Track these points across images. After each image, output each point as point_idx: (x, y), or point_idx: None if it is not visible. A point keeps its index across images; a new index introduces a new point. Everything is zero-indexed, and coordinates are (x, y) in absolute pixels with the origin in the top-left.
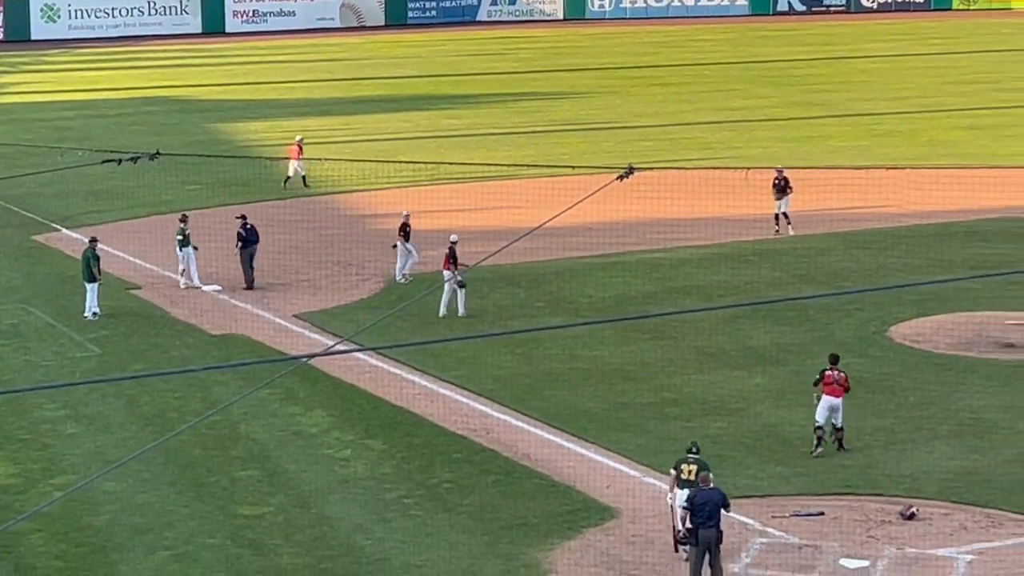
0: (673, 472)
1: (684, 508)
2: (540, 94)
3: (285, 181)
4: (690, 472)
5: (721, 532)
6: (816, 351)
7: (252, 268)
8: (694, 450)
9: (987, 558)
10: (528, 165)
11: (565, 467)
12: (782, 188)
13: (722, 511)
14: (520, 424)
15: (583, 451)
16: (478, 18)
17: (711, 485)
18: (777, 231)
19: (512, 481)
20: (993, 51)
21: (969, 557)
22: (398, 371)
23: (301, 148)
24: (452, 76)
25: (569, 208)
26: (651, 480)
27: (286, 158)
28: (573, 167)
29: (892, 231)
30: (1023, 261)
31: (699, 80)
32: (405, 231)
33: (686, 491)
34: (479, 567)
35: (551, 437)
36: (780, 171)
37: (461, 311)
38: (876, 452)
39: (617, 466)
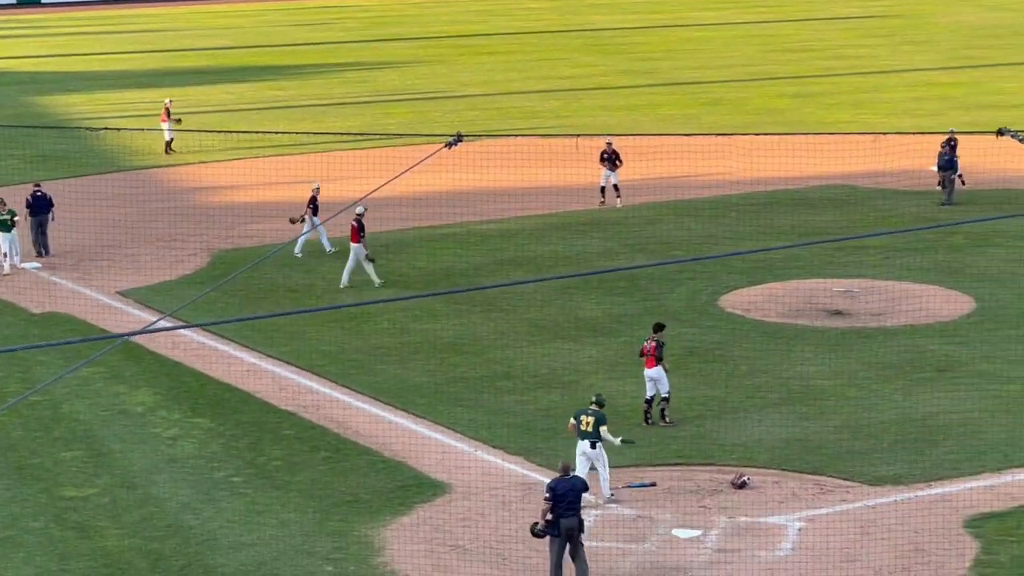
0: (572, 421)
1: (546, 499)
2: (366, 64)
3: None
4: (587, 424)
5: (582, 520)
6: (648, 321)
7: (44, 235)
8: (595, 400)
9: (817, 525)
10: (355, 135)
11: (396, 443)
12: (611, 160)
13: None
14: (350, 400)
15: (414, 426)
16: None
17: (572, 473)
18: (602, 202)
19: (342, 458)
20: (817, 19)
21: (799, 524)
22: (225, 348)
23: (169, 111)
24: (276, 47)
25: (395, 178)
26: (484, 455)
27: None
28: (401, 135)
29: (721, 199)
30: (850, 228)
31: (526, 48)
32: (314, 204)
33: (585, 442)
34: (310, 544)
35: (382, 412)
36: (609, 143)
37: (376, 281)
38: (708, 422)
39: (449, 441)
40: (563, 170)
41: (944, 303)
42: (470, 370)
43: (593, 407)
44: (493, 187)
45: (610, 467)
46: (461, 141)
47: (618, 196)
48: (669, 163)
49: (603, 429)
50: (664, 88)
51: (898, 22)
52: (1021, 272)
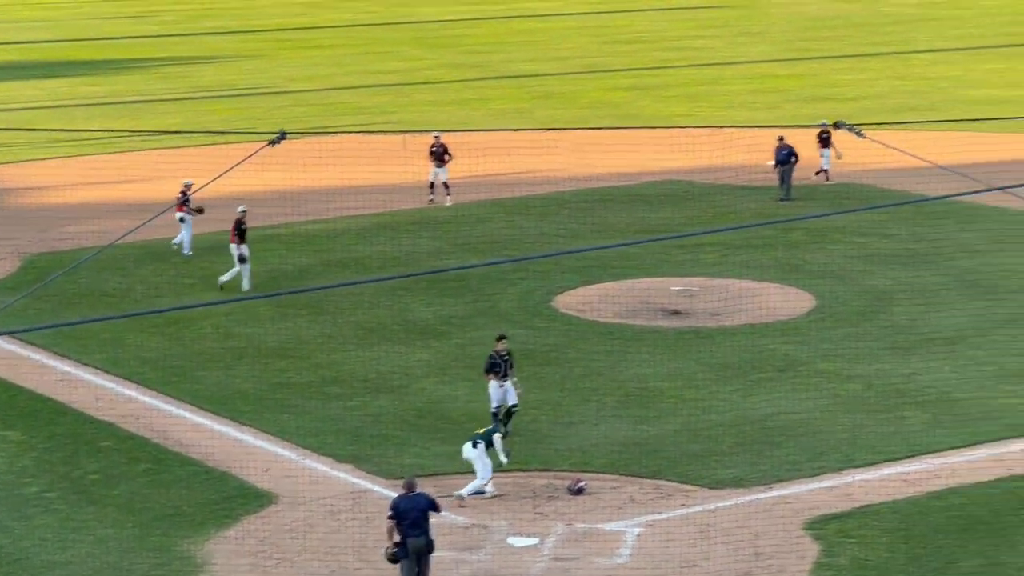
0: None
1: (388, 517)
2: (185, 59)
3: None
4: (479, 428)
5: (431, 540)
6: (480, 323)
7: None
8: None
9: (656, 530)
10: (174, 132)
11: (220, 452)
12: (440, 156)
13: (432, 515)
14: (171, 408)
15: (239, 435)
16: None
17: (417, 491)
18: (431, 200)
19: (164, 469)
20: (652, 9)
21: (638, 530)
22: (38, 356)
23: None
24: (90, 40)
25: (218, 177)
26: (311, 463)
27: None
28: (222, 132)
29: (554, 197)
30: (686, 225)
31: (353, 42)
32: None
33: (468, 444)
34: (129, 561)
35: (204, 421)
36: (437, 138)
37: (245, 285)
38: (543, 426)
39: (276, 449)
40: (391, 168)
41: (783, 301)
42: (296, 375)
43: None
44: (319, 186)
45: (441, 475)
46: (285, 138)
47: (448, 194)
48: (500, 159)
49: (496, 438)
50: (495, 82)
51: (734, 13)
52: (860, 268)
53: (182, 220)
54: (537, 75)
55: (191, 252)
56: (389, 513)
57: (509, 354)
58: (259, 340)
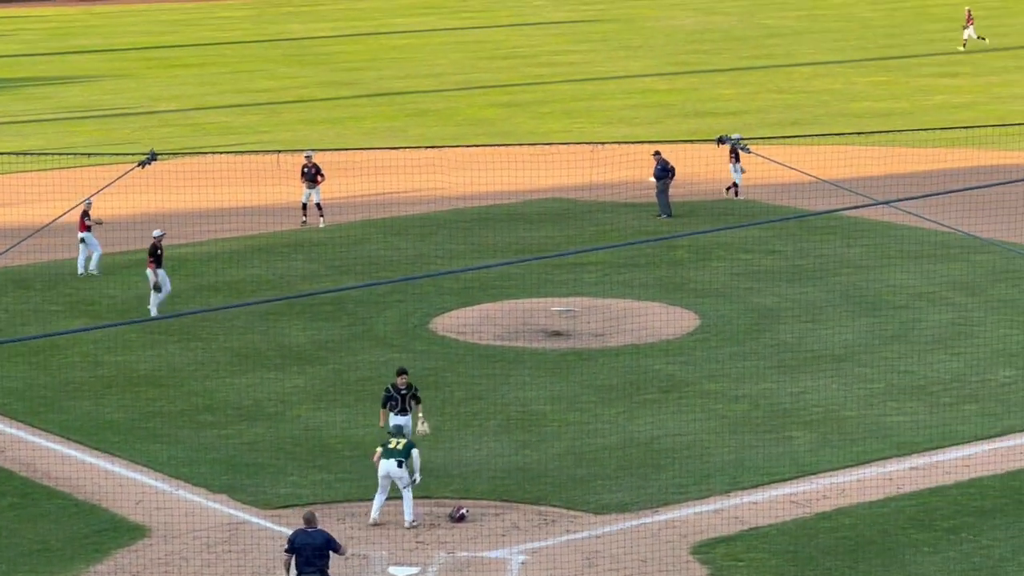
0: (379, 450)
1: (285, 550)
2: (47, 78)
3: None
4: (397, 444)
5: None
6: (356, 347)
7: None
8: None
9: (541, 557)
10: (37, 154)
11: (90, 484)
12: (312, 176)
13: (332, 554)
14: (37, 440)
15: (109, 466)
16: None
17: (317, 527)
18: (304, 221)
19: (30, 503)
20: (527, 24)
21: (522, 558)
22: None
23: None
24: None
25: (86, 200)
26: (184, 494)
27: None
28: (88, 154)
29: (432, 216)
30: (566, 243)
31: (221, 60)
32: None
33: (391, 461)
34: None
35: (73, 452)
36: (309, 158)
37: (153, 311)
38: (423, 453)
39: (148, 480)
40: (263, 188)
41: (667, 320)
42: (168, 404)
43: (395, 435)
44: (189, 208)
45: (318, 503)
46: (155, 159)
47: (321, 215)
48: (375, 179)
49: (415, 452)
50: (368, 99)
51: (612, 26)
52: (744, 286)
53: (83, 241)
54: (411, 92)
55: (99, 271)
56: (286, 546)
57: (410, 388)
58: (129, 368)
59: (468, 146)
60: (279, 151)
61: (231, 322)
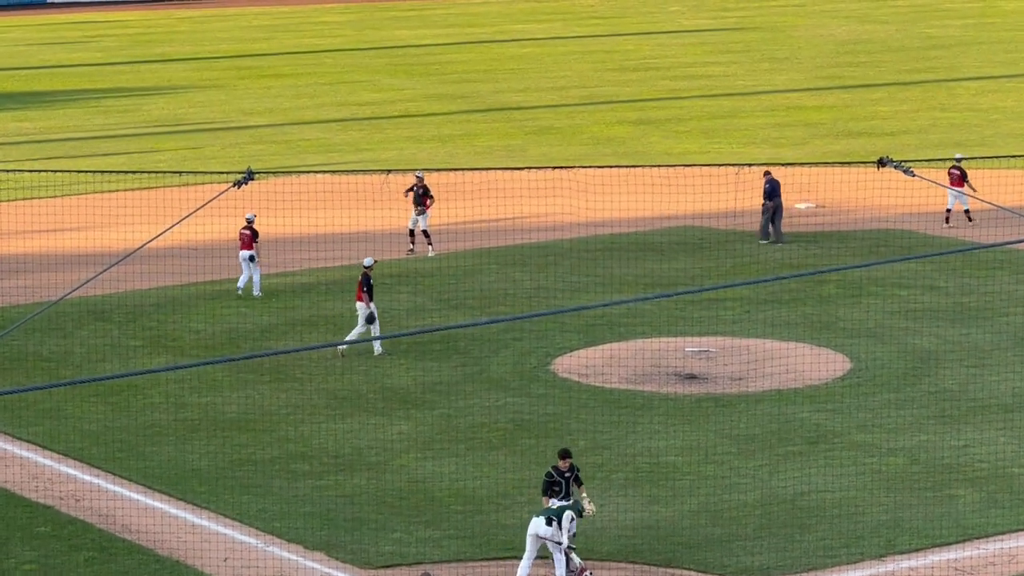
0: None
1: None
2: (129, 90)
3: None
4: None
5: None
6: (468, 390)
7: None
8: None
9: None
10: (118, 172)
11: (173, 539)
12: (420, 198)
13: None
14: (117, 488)
15: (194, 518)
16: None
17: None
18: (411, 249)
19: (108, 558)
20: (661, 33)
21: None
22: None
23: None
24: (19, 70)
25: (175, 225)
26: (277, 551)
27: None
28: (174, 173)
29: (553, 245)
30: (702, 277)
31: (319, 70)
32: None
33: (540, 520)
34: None
35: (155, 503)
36: (420, 178)
37: (377, 349)
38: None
39: (236, 535)
40: (365, 212)
41: (814, 363)
42: (259, 451)
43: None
44: (284, 234)
45: (426, 562)
46: (252, 179)
47: (429, 243)
48: (489, 203)
49: (568, 514)
50: (483, 115)
51: (755, 36)
52: (900, 326)
53: (252, 259)
54: (530, 107)
55: (261, 293)
56: None
57: (573, 470)
58: (216, 410)
59: (594, 167)
60: (387, 171)
61: (329, 361)
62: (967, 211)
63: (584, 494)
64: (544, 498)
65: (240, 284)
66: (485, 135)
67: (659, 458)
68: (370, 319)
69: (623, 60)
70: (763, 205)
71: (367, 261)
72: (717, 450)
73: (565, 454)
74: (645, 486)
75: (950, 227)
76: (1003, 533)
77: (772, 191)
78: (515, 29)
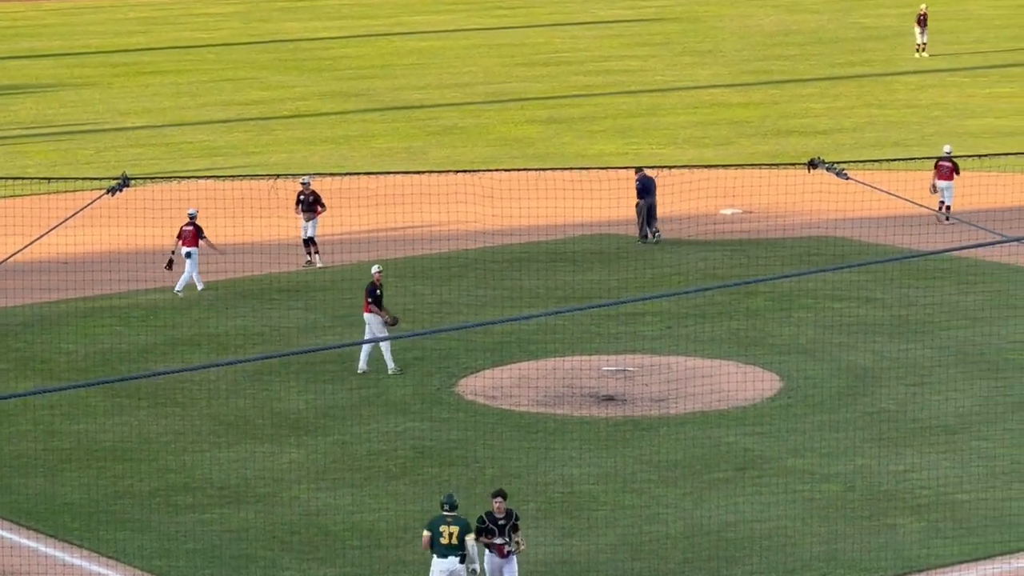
0: (427, 533)
1: None
2: None
3: None
4: (450, 536)
5: None
6: (366, 414)
7: None
8: (447, 502)
9: None
10: None
11: None
12: (311, 206)
13: None
14: None
15: (67, 557)
16: None
17: None
18: (309, 261)
19: None
20: (573, 24)
21: None
22: None
23: None
24: None
25: (43, 236)
26: None
27: None
28: (42, 179)
29: (457, 256)
30: (620, 289)
31: (202, 67)
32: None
33: (449, 560)
34: None
35: (24, 540)
36: (306, 184)
37: (391, 365)
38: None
39: (113, 575)
40: (253, 221)
41: (742, 383)
42: (138, 482)
43: (447, 512)
44: (163, 246)
45: None
46: (128, 186)
47: (316, 252)
48: (388, 210)
49: (469, 539)
50: (380, 114)
51: (676, 27)
52: (835, 341)
53: (188, 255)
54: (432, 106)
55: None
56: None
57: (510, 517)
58: (90, 439)
59: (502, 170)
60: (276, 176)
61: (214, 383)
62: (948, 207)
63: (519, 538)
64: (478, 538)
65: (179, 286)
66: (383, 136)
67: (574, 487)
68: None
69: (532, 54)
70: (636, 204)
71: (375, 268)
72: (637, 478)
73: (499, 495)
74: (559, 518)
75: (951, 223)
76: (947, 565)
77: (644, 189)
78: (414, 21)
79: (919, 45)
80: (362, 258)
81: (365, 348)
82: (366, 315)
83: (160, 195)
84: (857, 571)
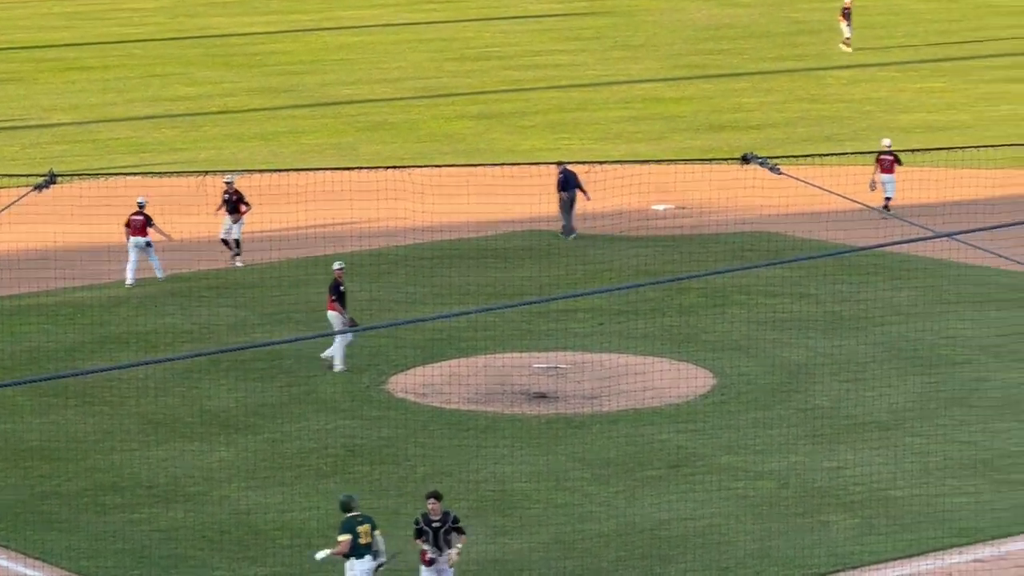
0: (346, 537)
1: None
2: None
3: None
4: (366, 534)
5: None
6: (296, 412)
7: None
8: (353, 507)
9: None
10: None
11: None
12: (234, 206)
13: None
14: None
15: None
16: None
17: None
18: (237, 255)
19: None
20: (504, 19)
21: None
22: None
23: None
24: None
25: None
26: None
27: None
28: None
29: (387, 252)
30: (552, 286)
31: (129, 62)
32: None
33: (366, 559)
34: None
35: None
36: (230, 183)
37: (339, 365)
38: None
39: (40, 575)
40: (181, 218)
41: (675, 380)
42: (66, 482)
43: (355, 512)
44: (91, 243)
45: None
46: (55, 182)
47: (238, 252)
48: (318, 206)
49: (378, 534)
50: (309, 110)
51: (607, 21)
52: (769, 337)
53: (149, 244)
54: (362, 101)
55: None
56: None
57: (446, 519)
58: (16, 438)
59: (432, 166)
60: (203, 172)
61: (143, 382)
62: (888, 200)
63: (459, 545)
64: (418, 541)
65: (130, 276)
66: (312, 132)
67: (506, 485)
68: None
69: (463, 49)
70: (559, 199)
71: (337, 264)
72: (570, 476)
73: (433, 496)
74: (491, 516)
75: (886, 218)
76: (880, 562)
77: (566, 182)
78: (344, 16)
79: (845, 40)
80: (291, 255)
81: (340, 347)
82: (329, 313)
83: (87, 192)
84: (791, 568)
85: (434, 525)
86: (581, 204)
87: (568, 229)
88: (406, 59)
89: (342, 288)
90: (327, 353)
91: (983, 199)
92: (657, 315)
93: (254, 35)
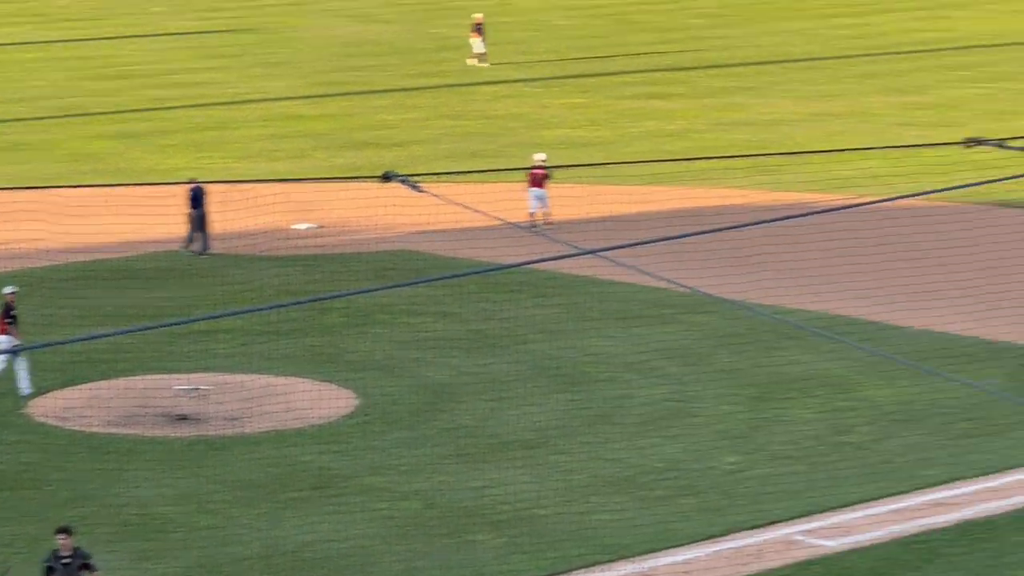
0: None
1: None
2: None
3: None
4: None
5: None
6: None
7: None
8: None
9: None
10: None
11: None
12: None
13: None
14: None
15: None
16: None
17: None
18: None
19: None
20: (142, 36)
21: None
22: None
23: None
24: None
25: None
26: None
27: None
28: None
29: (23, 275)
30: (192, 307)
31: None
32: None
33: None
34: None
35: None
36: None
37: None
38: (18, 570)
39: None
40: None
41: (318, 400)
42: None
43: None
44: None
45: None
46: None
47: None
48: None
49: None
50: None
51: (249, 38)
52: (412, 357)
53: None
54: None
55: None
56: None
57: (76, 556)
58: None
59: (71, 187)
60: None
61: None
62: (546, 213)
63: None
64: None
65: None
66: None
67: (148, 509)
68: (13, 353)
69: (101, 67)
70: (188, 215)
71: (8, 289)
72: (213, 498)
73: (63, 531)
74: (133, 541)
75: (538, 231)
76: None
77: (196, 199)
78: None
79: (478, 55)
80: None
81: (25, 370)
82: (1, 337)
83: None
84: None
85: (63, 562)
86: (222, 224)
87: (202, 246)
88: (42, 77)
89: (14, 312)
90: (23, 387)
91: (624, 215)
92: (299, 335)
93: None
